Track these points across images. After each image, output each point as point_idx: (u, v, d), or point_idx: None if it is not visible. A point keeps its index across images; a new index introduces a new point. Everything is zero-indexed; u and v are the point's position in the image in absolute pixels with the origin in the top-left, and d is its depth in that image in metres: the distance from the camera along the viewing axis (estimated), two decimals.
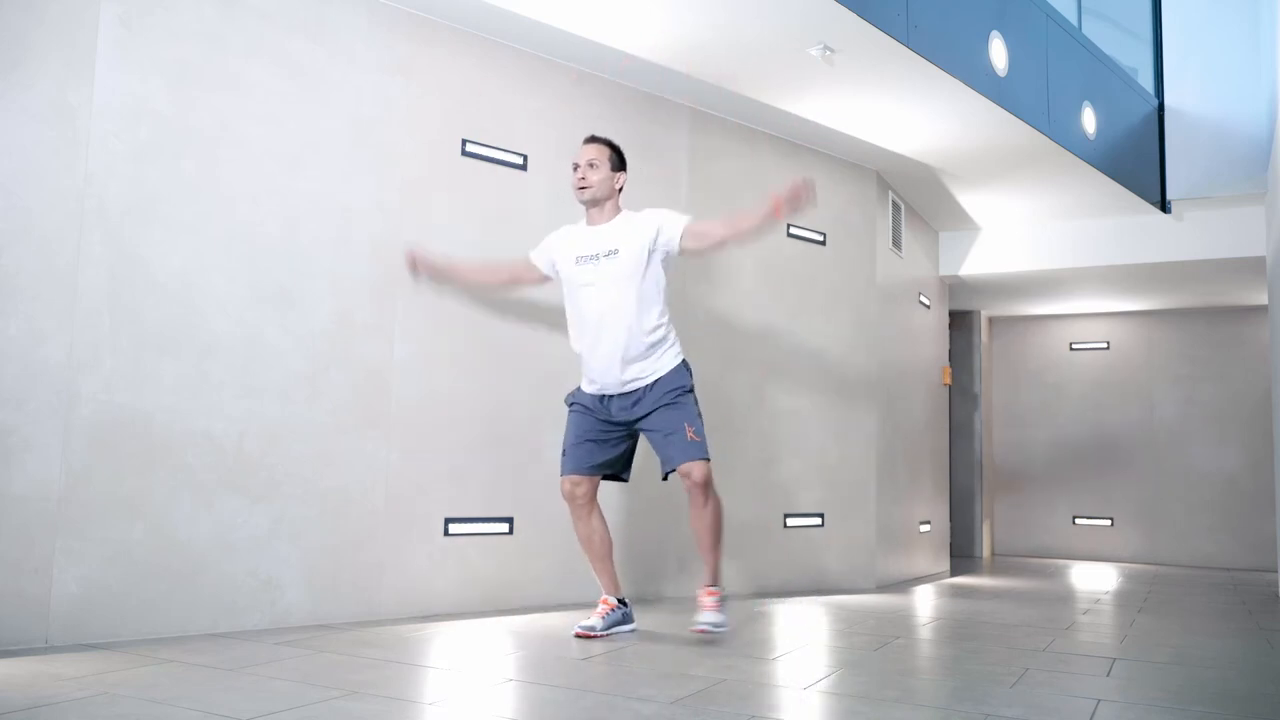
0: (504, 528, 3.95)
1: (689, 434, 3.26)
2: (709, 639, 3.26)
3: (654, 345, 3.31)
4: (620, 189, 3.45)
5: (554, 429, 4.05)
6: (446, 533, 3.78)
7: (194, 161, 3.25)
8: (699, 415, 3.33)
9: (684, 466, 3.25)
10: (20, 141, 2.91)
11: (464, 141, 3.95)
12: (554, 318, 4.15)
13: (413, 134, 3.81)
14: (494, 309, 3.99)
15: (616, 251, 3.32)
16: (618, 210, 3.44)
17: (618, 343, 3.29)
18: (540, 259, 3.56)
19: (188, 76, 3.25)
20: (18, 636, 2.81)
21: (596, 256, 3.35)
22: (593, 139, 3.48)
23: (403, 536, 3.66)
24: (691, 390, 3.35)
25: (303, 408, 3.43)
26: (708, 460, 3.27)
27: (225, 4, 3.35)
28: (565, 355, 4.10)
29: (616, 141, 3.52)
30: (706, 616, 3.28)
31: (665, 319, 3.37)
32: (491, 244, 4.00)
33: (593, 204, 3.42)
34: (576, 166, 3.41)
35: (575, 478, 3.39)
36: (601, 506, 3.49)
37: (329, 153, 3.58)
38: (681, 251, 3.38)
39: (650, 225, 3.36)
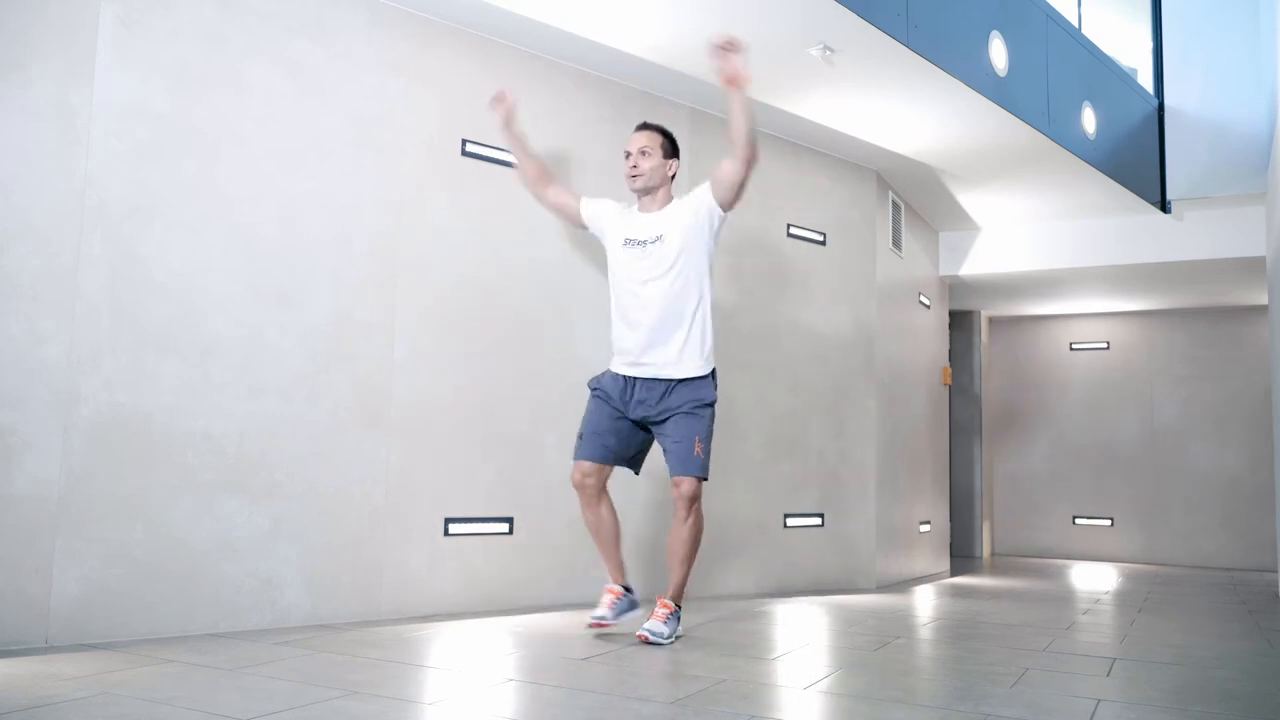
0: (504, 528, 3.95)
1: (696, 448, 3.25)
2: (648, 644, 3.18)
3: (693, 331, 3.29)
4: (673, 176, 3.44)
5: (554, 429, 4.06)
6: (446, 533, 3.78)
7: (194, 161, 3.25)
8: (710, 435, 3.32)
9: (676, 477, 3.26)
10: (20, 141, 2.91)
11: (464, 141, 3.95)
12: (554, 318, 4.16)
13: (413, 134, 3.81)
14: (494, 308, 3.99)
15: (662, 238, 3.32)
16: (670, 198, 3.43)
17: (658, 326, 3.29)
18: (588, 211, 3.53)
19: (188, 76, 3.25)
20: (18, 636, 2.81)
21: (645, 243, 3.34)
22: (645, 126, 3.46)
23: (403, 536, 3.65)
24: (713, 405, 3.33)
25: (303, 408, 3.43)
26: (702, 479, 3.27)
27: (225, 4, 3.35)
28: (566, 355, 4.11)
29: (669, 128, 3.51)
30: (652, 625, 3.22)
31: (707, 308, 3.34)
32: (491, 244, 4.00)
33: (645, 192, 3.40)
34: (629, 155, 3.40)
35: (587, 466, 3.36)
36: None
37: (329, 152, 3.57)
38: (724, 205, 3.33)
39: (691, 206, 3.35)
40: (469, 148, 3.97)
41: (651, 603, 3.43)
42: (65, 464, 2.92)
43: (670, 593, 3.34)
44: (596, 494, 3.39)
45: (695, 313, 3.32)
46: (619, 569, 3.45)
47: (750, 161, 3.25)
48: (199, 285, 3.23)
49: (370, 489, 3.58)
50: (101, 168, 3.05)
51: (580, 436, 3.41)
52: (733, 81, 3.18)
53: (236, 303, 3.31)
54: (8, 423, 2.83)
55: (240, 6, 3.38)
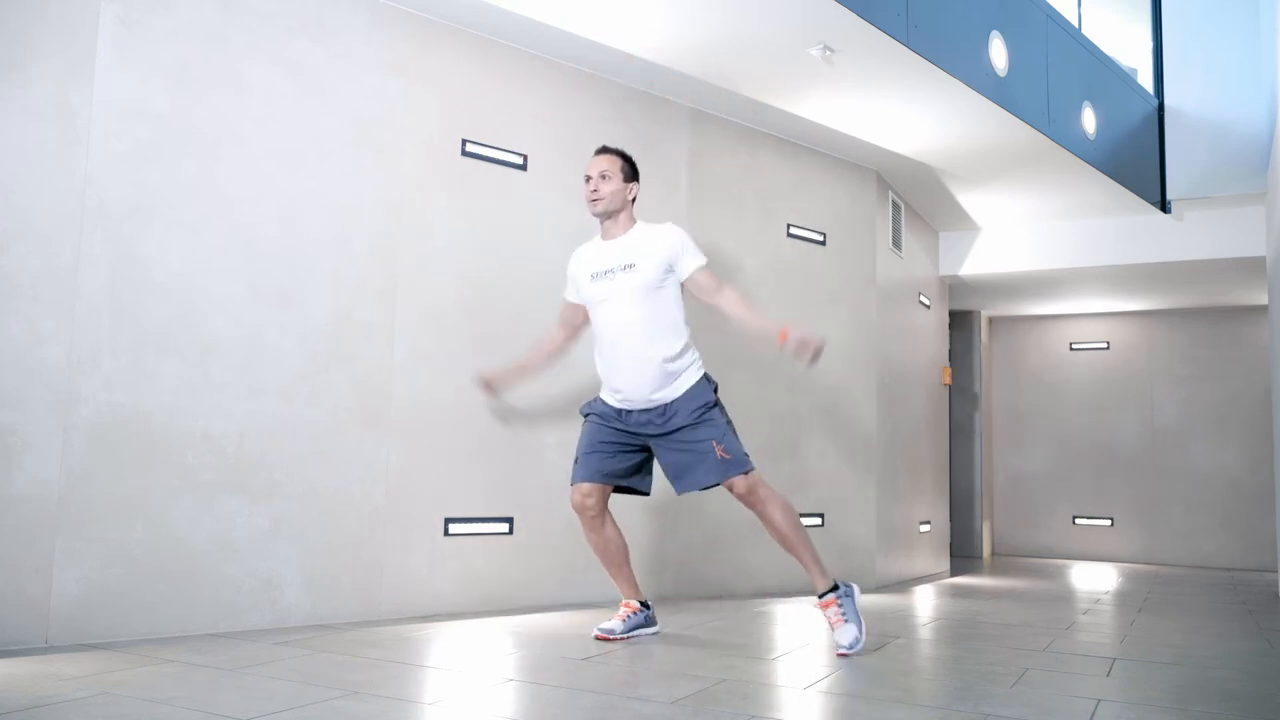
0: (504, 528, 3.95)
1: (718, 452, 3.16)
2: (841, 656, 3.09)
3: (676, 357, 3.20)
4: (634, 199, 3.36)
5: (554, 429, 4.06)
6: (446, 533, 3.78)
7: (194, 161, 3.25)
8: (729, 425, 3.24)
9: (726, 484, 3.18)
10: (20, 141, 2.91)
11: (464, 141, 3.95)
12: (554, 317, 4.15)
13: (413, 134, 3.81)
14: (494, 308, 3.99)
15: (634, 265, 3.22)
16: (633, 221, 3.34)
17: (639, 355, 3.18)
18: (572, 295, 3.44)
19: (188, 76, 3.25)
20: (18, 636, 2.81)
21: (612, 271, 3.25)
22: (604, 150, 3.38)
23: (403, 536, 3.65)
24: (716, 404, 3.24)
25: (303, 408, 3.43)
26: (747, 472, 3.18)
27: (225, 4, 3.35)
28: (566, 355, 4.11)
29: (627, 149, 3.44)
30: (837, 637, 3.15)
31: (685, 328, 3.26)
32: (491, 244, 4.01)
33: (606, 216, 3.32)
34: (589, 179, 3.31)
35: (585, 487, 3.27)
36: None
37: (329, 152, 3.58)
38: (683, 280, 3.28)
39: (671, 246, 3.24)
40: (469, 148, 3.97)
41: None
42: (65, 464, 2.92)
43: (816, 586, 3.24)
44: (598, 515, 3.31)
45: (676, 328, 3.23)
46: (631, 586, 3.41)
47: (720, 307, 3.28)
48: (199, 285, 3.23)
49: (370, 489, 3.58)
50: (101, 168, 3.05)
51: (576, 461, 3.33)
52: (780, 342, 3.16)
53: (236, 303, 3.31)
54: (8, 423, 2.83)
55: (240, 6, 3.38)
